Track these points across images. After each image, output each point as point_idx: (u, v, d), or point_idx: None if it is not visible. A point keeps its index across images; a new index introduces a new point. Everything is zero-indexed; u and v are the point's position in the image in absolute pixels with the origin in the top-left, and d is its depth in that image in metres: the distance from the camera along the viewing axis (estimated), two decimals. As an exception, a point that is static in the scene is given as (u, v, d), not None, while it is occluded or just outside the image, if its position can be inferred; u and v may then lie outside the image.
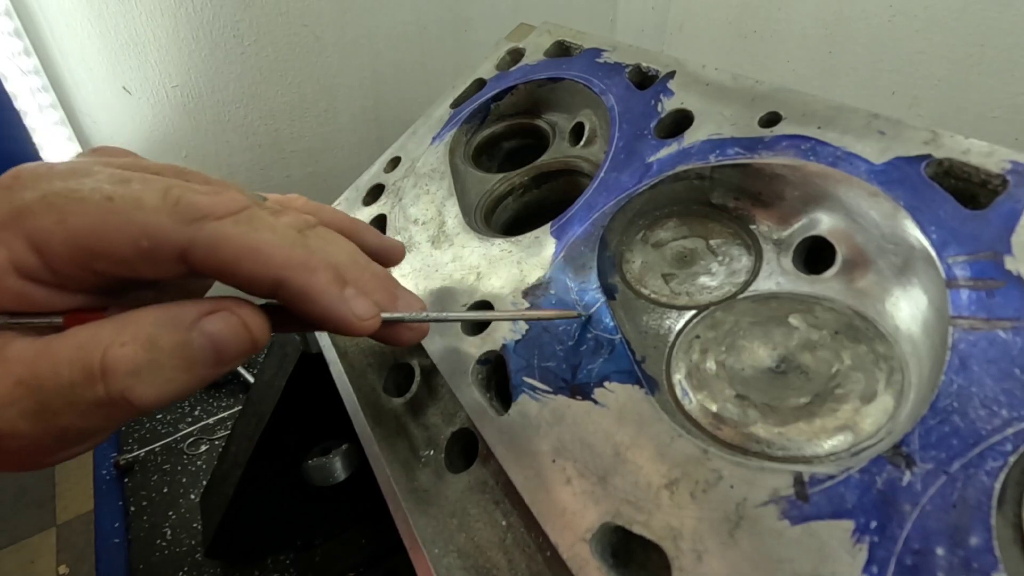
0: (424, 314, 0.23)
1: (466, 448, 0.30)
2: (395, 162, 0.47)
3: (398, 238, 0.40)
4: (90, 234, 0.17)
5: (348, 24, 0.93)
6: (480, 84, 0.47)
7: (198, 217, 0.18)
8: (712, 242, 0.31)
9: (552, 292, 0.30)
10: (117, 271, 0.18)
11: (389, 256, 0.26)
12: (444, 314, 0.25)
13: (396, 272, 0.39)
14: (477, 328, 0.32)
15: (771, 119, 0.30)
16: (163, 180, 0.18)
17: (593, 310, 0.29)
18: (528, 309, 0.30)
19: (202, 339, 0.18)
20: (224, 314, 0.18)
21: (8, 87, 0.77)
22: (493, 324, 0.31)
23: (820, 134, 0.28)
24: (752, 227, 0.31)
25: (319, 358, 0.40)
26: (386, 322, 0.22)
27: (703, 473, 0.22)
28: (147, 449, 0.74)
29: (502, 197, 0.41)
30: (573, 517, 0.23)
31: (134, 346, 0.17)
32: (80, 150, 0.88)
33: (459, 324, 0.32)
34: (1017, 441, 0.18)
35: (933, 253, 0.22)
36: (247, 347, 0.19)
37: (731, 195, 0.31)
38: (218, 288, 0.21)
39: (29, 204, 0.17)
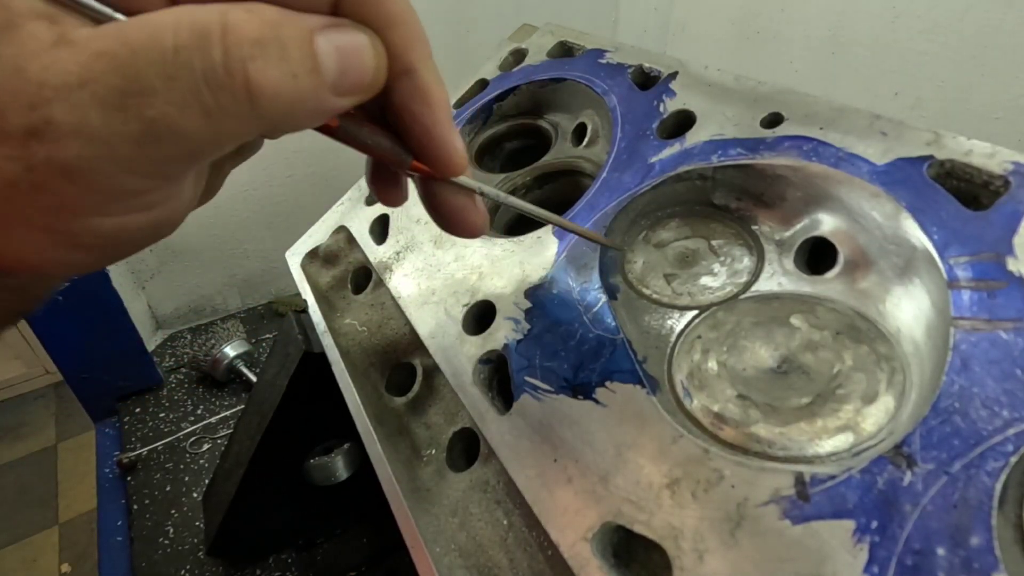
0: (496, 191, 0.21)
1: (468, 447, 0.30)
2: (398, 162, 0.47)
3: (399, 238, 0.41)
4: None
5: (351, 25, 0.93)
6: (483, 84, 0.48)
7: None
8: (714, 242, 0.31)
9: (554, 292, 0.31)
10: None
11: None
12: (514, 200, 0.23)
13: (398, 272, 0.39)
14: (479, 327, 0.32)
15: (773, 120, 0.30)
16: None
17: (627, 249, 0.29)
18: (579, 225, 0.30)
19: (328, 45, 0.15)
20: (353, 31, 0.15)
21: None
22: (494, 324, 0.31)
23: (822, 135, 0.28)
24: (754, 228, 0.31)
25: (321, 358, 0.40)
26: (460, 184, 0.19)
27: (704, 473, 0.22)
28: (149, 448, 0.75)
29: (504, 197, 0.42)
30: (574, 516, 0.23)
31: (259, 19, 0.13)
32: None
33: (461, 324, 0.32)
34: (1018, 442, 0.18)
35: (935, 254, 0.22)
36: (369, 75, 0.16)
37: (733, 196, 0.31)
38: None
39: None
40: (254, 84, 0.13)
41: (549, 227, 0.34)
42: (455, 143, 0.18)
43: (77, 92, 0.12)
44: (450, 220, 0.21)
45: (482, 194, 0.21)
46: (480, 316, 0.33)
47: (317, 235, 0.47)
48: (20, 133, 0.12)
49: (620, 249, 0.31)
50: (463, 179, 0.19)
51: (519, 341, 0.30)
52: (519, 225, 0.41)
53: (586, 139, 0.40)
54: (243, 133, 0.15)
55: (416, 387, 0.34)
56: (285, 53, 0.14)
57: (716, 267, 0.30)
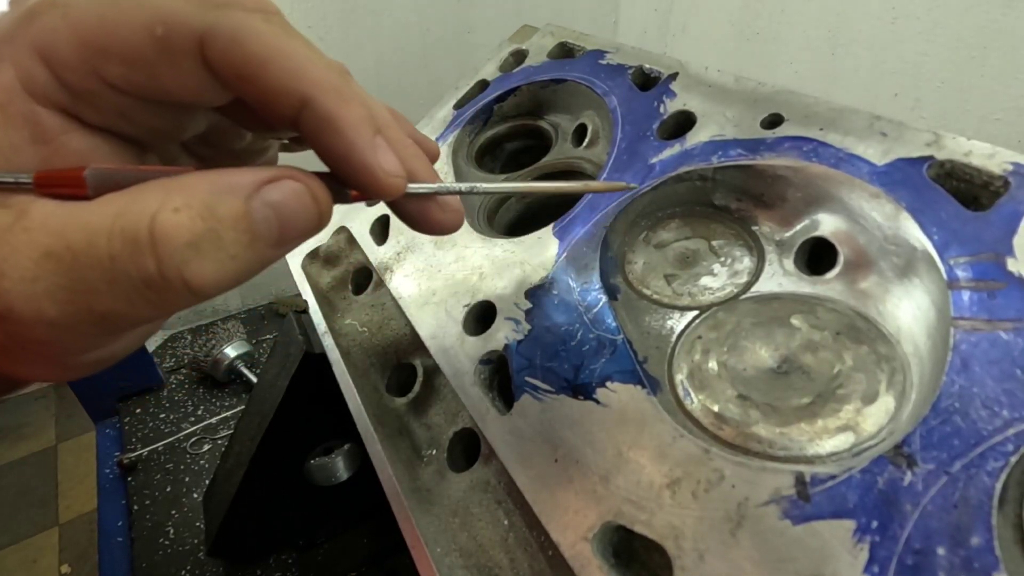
0: (458, 185, 0.20)
1: (468, 447, 0.30)
2: (398, 163, 0.47)
3: (400, 239, 0.41)
4: (98, 25, 0.14)
5: (352, 26, 0.93)
6: (483, 85, 0.48)
7: (221, 4, 0.15)
8: (714, 243, 0.31)
9: (555, 292, 0.31)
10: (131, 76, 0.15)
11: (425, 146, 0.22)
12: (483, 185, 0.22)
13: (399, 272, 0.39)
14: (480, 328, 0.32)
15: (773, 121, 0.30)
16: None
17: (637, 186, 0.27)
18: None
19: (265, 209, 0.15)
20: (287, 181, 0.15)
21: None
22: (495, 325, 0.31)
23: (822, 136, 0.28)
24: (754, 228, 0.31)
25: (322, 358, 0.40)
26: (412, 194, 0.18)
27: (705, 473, 0.22)
28: (150, 448, 0.75)
29: (505, 198, 0.42)
30: (575, 516, 0.23)
31: (189, 213, 0.14)
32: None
33: (462, 324, 0.32)
34: (1018, 441, 0.18)
35: (935, 254, 0.22)
36: (313, 221, 0.16)
37: (733, 196, 0.31)
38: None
39: (32, 7, 0.15)
40: (193, 282, 0.14)
41: (549, 228, 0.34)
42: (379, 165, 0.17)
43: (31, 286, 0.13)
44: (416, 223, 0.20)
45: (438, 193, 0.20)
46: (481, 316, 0.33)
47: (318, 235, 0.47)
48: None
49: (629, 188, 0.27)
50: (413, 187, 0.18)
51: (520, 341, 0.30)
52: (519, 226, 0.41)
53: (586, 140, 0.40)
54: (192, 304, 0.15)
55: (417, 387, 0.34)
56: (220, 243, 0.14)
57: (716, 268, 0.30)
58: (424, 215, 0.20)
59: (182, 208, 0.14)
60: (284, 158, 0.24)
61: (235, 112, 0.19)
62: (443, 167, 0.43)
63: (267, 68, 0.15)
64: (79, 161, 0.15)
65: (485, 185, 0.22)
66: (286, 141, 0.24)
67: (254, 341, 0.89)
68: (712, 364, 0.26)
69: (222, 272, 0.14)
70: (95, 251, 0.13)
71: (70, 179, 0.14)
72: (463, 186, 0.20)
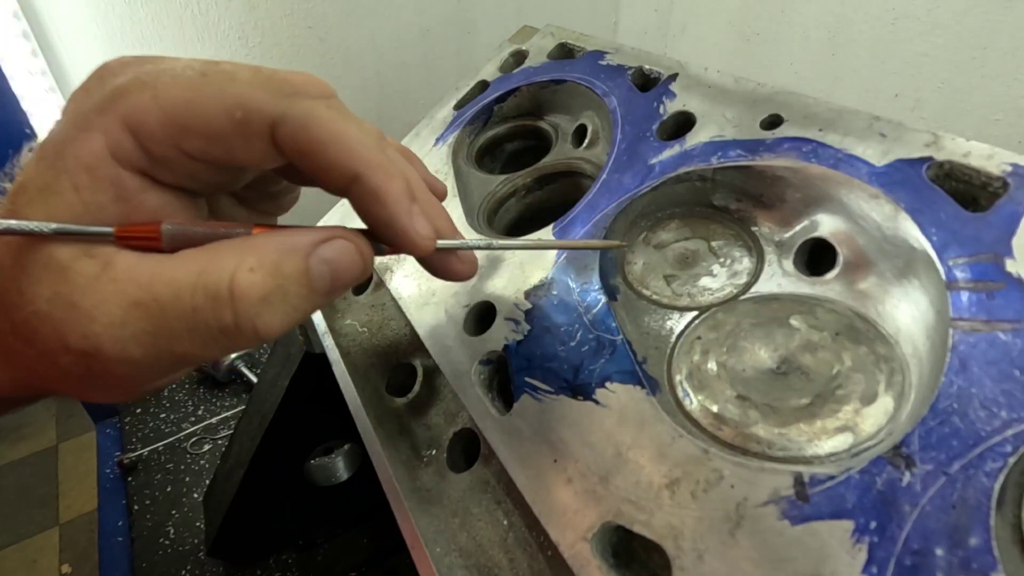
0: (476, 240, 0.24)
1: (468, 448, 0.30)
2: (398, 163, 0.47)
3: (401, 239, 0.41)
4: (184, 106, 0.16)
5: (352, 26, 0.93)
6: (483, 86, 0.48)
7: (291, 93, 0.17)
8: (714, 244, 0.31)
9: (554, 293, 0.31)
10: (209, 150, 0.17)
11: (436, 189, 0.25)
12: (497, 241, 0.25)
13: (399, 273, 0.39)
14: (479, 328, 0.32)
15: (773, 121, 0.30)
16: (253, 64, 0.18)
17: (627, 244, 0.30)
18: (572, 239, 0.32)
19: (321, 266, 0.18)
20: (340, 241, 0.18)
21: (16, 88, 0.78)
22: (494, 325, 0.31)
23: (821, 136, 0.28)
24: (754, 229, 0.31)
25: (322, 358, 0.40)
26: (440, 249, 0.21)
27: (704, 473, 0.22)
28: (150, 448, 0.75)
29: (505, 198, 0.42)
30: (574, 516, 0.23)
31: (262, 273, 0.16)
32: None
33: (461, 325, 0.33)
34: (1016, 442, 0.18)
35: (934, 255, 0.23)
36: (360, 273, 0.19)
37: (733, 197, 0.31)
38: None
39: (123, 86, 0.16)
40: (262, 331, 0.17)
41: (549, 229, 0.34)
42: (416, 230, 0.19)
43: (119, 330, 0.15)
44: (437, 272, 0.23)
45: (464, 248, 0.23)
46: (480, 317, 0.33)
47: (318, 236, 0.47)
48: (78, 351, 0.16)
49: (622, 246, 0.31)
50: (441, 244, 0.21)
51: (519, 342, 0.30)
52: (519, 226, 0.41)
53: (586, 140, 0.40)
54: (255, 346, 0.18)
55: (416, 388, 0.34)
56: (286, 296, 0.17)
57: (716, 268, 0.30)
58: (445, 266, 0.23)
59: (256, 268, 0.16)
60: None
61: (285, 171, 0.21)
62: (443, 168, 0.43)
63: (327, 150, 0.17)
64: (152, 215, 0.17)
65: (500, 242, 0.26)
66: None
67: (254, 341, 0.89)
68: (711, 364, 0.26)
69: (286, 320, 0.17)
70: (180, 304, 0.16)
71: (148, 233, 0.16)
72: (481, 242, 0.24)
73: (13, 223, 0.15)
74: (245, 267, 0.16)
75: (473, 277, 0.24)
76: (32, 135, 0.81)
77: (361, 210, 0.19)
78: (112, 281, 0.15)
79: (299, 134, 0.17)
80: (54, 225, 0.15)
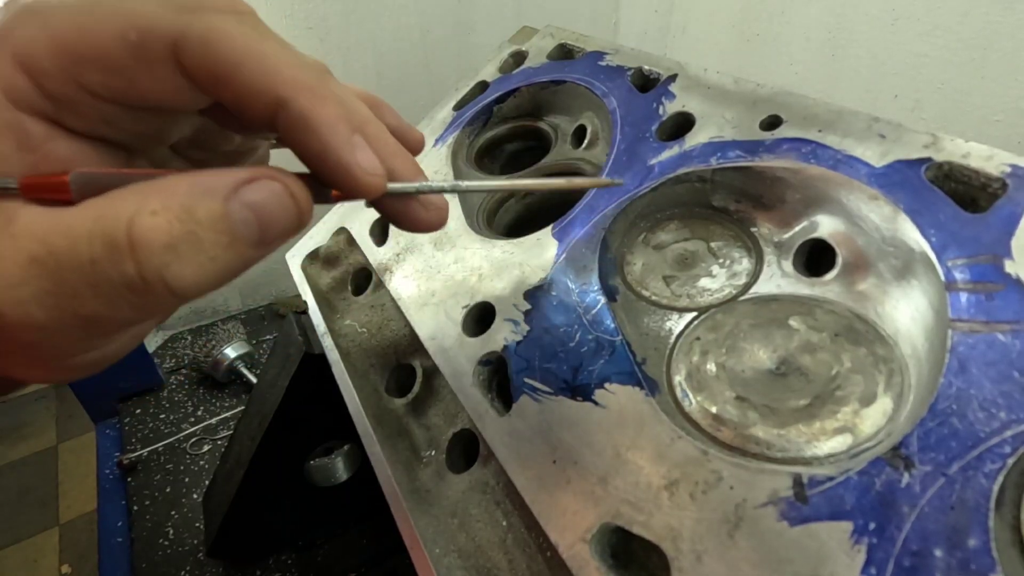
0: (440, 184, 0.20)
1: (467, 448, 0.30)
2: (398, 164, 0.47)
3: (400, 240, 0.41)
4: (76, 33, 0.15)
5: (352, 27, 0.93)
6: (483, 87, 0.48)
7: (194, 8, 0.15)
8: (713, 244, 0.31)
9: (554, 293, 0.31)
10: (109, 82, 0.15)
11: (408, 137, 0.21)
12: (465, 183, 0.21)
13: (398, 273, 0.39)
14: (479, 329, 0.32)
15: (772, 122, 0.30)
16: None
17: (622, 182, 0.28)
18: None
19: (244, 210, 0.15)
20: (266, 181, 0.15)
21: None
22: (494, 326, 0.31)
23: (821, 137, 0.28)
24: (753, 230, 0.31)
25: (322, 359, 0.40)
26: (393, 193, 0.18)
27: (703, 474, 0.22)
28: (150, 449, 0.75)
29: (504, 199, 0.42)
30: (573, 517, 0.23)
31: (167, 215, 0.14)
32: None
33: (461, 325, 0.32)
34: (1015, 443, 0.18)
35: (933, 256, 0.23)
36: (293, 220, 0.16)
37: (732, 198, 0.31)
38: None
39: (10, 19, 0.15)
40: (173, 284, 0.14)
41: (548, 229, 0.34)
42: (357, 164, 0.17)
43: (18, 291, 0.13)
44: (399, 221, 0.20)
45: (421, 192, 0.19)
46: (480, 318, 0.33)
47: (317, 237, 0.47)
48: None
49: (614, 184, 0.27)
50: (394, 186, 0.18)
51: (518, 343, 0.30)
52: (519, 227, 0.41)
53: (586, 141, 0.40)
54: (176, 307, 0.16)
55: (416, 388, 0.34)
56: (199, 245, 0.14)
57: (715, 269, 0.30)
58: (407, 213, 0.20)
59: (160, 211, 0.14)
60: (277, 157, 0.24)
61: (218, 115, 0.19)
62: (443, 168, 0.43)
63: (240, 70, 0.15)
64: (65, 167, 0.15)
65: (468, 183, 0.22)
66: (275, 140, 0.24)
67: (254, 342, 0.89)
68: (710, 365, 0.26)
69: (202, 274, 0.14)
70: (76, 256, 0.14)
71: (54, 184, 0.14)
72: (446, 184, 0.20)
73: None
74: (147, 210, 0.14)
75: (443, 225, 0.21)
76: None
77: (293, 144, 0.16)
78: (11, 237, 0.14)
79: (204, 54, 0.15)
80: None
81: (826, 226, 0.28)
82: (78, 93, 0.15)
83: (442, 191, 0.20)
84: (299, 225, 0.16)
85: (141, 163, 0.19)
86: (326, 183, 0.17)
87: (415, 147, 0.22)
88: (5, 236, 0.14)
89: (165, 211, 0.14)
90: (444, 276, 0.36)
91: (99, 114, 0.16)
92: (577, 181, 0.27)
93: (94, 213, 0.14)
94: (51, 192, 0.15)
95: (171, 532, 0.65)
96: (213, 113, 0.18)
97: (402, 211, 0.20)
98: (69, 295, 0.14)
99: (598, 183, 0.27)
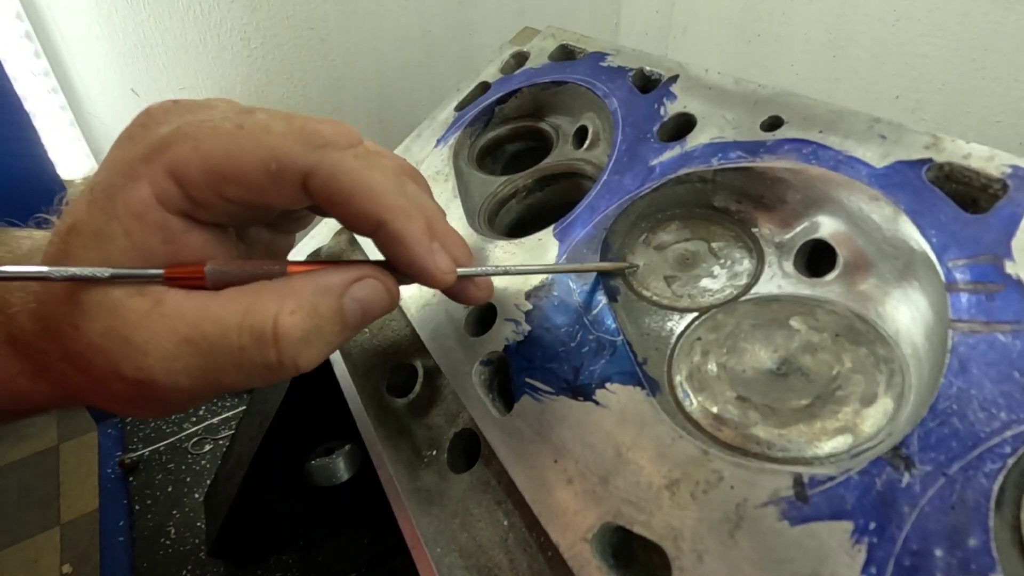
0: (493, 268, 0.26)
1: (468, 448, 0.30)
2: (399, 164, 0.47)
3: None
4: (224, 158, 0.18)
5: (353, 27, 0.93)
6: (484, 87, 0.48)
7: (321, 144, 0.18)
8: (714, 245, 0.31)
9: (555, 293, 0.31)
10: (246, 196, 0.19)
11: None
12: (514, 267, 0.27)
13: (400, 273, 0.39)
14: (480, 329, 0.32)
15: (773, 123, 0.30)
16: (286, 112, 0.19)
17: (639, 266, 0.31)
18: (578, 263, 0.32)
19: (354, 304, 0.20)
20: (371, 280, 0.20)
21: (19, 89, 0.78)
22: (495, 326, 0.31)
23: (822, 138, 0.28)
24: (754, 230, 0.31)
25: (323, 358, 0.40)
26: (460, 277, 0.23)
27: (704, 474, 0.22)
28: (151, 448, 0.75)
29: (506, 199, 0.42)
30: (574, 517, 0.23)
31: (301, 315, 0.18)
32: (89, 151, 0.89)
33: (462, 325, 0.33)
34: (1016, 443, 0.18)
35: (933, 257, 0.23)
36: (388, 307, 0.21)
37: (733, 198, 0.31)
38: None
39: (166, 137, 0.18)
40: (302, 365, 0.19)
41: (550, 230, 0.34)
42: (436, 266, 0.21)
43: (171, 363, 0.17)
44: (455, 297, 0.26)
45: (481, 275, 0.25)
46: (481, 318, 0.33)
47: (319, 236, 0.48)
48: (132, 380, 0.17)
49: (633, 268, 0.31)
50: (460, 271, 0.23)
51: (519, 343, 0.30)
52: (520, 227, 0.41)
53: (587, 142, 0.41)
54: (293, 376, 0.20)
55: (417, 388, 0.34)
56: (322, 334, 0.19)
57: (716, 269, 0.30)
58: (463, 292, 0.25)
59: (296, 311, 0.18)
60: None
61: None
62: (444, 169, 0.43)
63: (354, 198, 0.19)
64: (195, 252, 0.19)
65: (516, 267, 0.28)
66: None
67: (255, 342, 0.89)
68: (711, 366, 0.26)
69: (321, 354, 0.19)
70: (227, 343, 0.17)
71: (193, 273, 0.18)
72: (498, 269, 0.26)
73: (75, 270, 0.17)
74: (287, 310, 0.18)
75: (491, 299, 0.27)
76: (36, 137, 0.81)
77: (386, 251, 0.21)
78: (162, 317, 0.17)
79: (328, 185, 0.19)
80: (110, 271, 0.17)
81: (827, 227, 0.28)
82: (217, 200, 0.18)
83: (495, 274, 0.27)
84: (391, 309, 0.21)
85: (231, 231, 0.22)
86: (410, 279, 0.22)
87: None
88: (156, 316, 0.17)
89: (300, 310, 0.18)
90: (445, 276, 0.36)
91: (227, 211, 0.19)
92: (604, 266, 0.31)
93: (242, 308, 0.18)
94: (191, 281, 0.18)
95: (172, 532, 0.65)
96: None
97: (460, 290, 0.25)
98: (215, 370, 0.18)
99: (619, 267, 0.31)
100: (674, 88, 0.36)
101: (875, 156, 0.26)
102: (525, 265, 0.31)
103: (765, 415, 0.24)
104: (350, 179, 0.19)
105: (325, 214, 0.23)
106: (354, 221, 0.20)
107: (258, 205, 0.19)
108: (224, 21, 0.85)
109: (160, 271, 0.18)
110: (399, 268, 0.21)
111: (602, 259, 0.31)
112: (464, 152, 0.45)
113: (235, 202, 0.19)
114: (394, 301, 0.21)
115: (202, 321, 0.17)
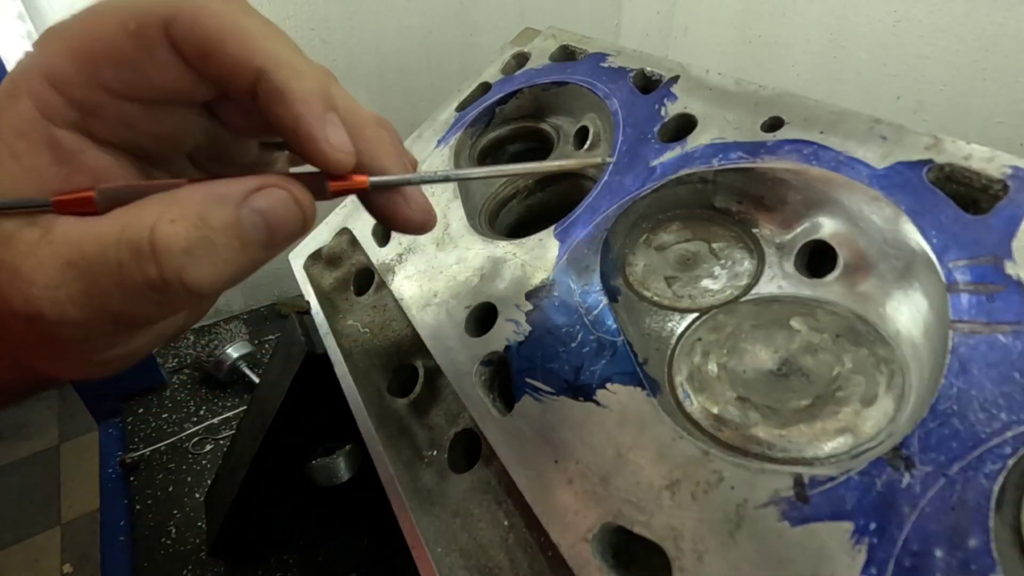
0: (424, 173, 0.19)
1: (469, 448, 0.30)
2: (400, 165, 0.47)
3: (402, 241, 0.41)
4: (85, 35, 0.16)
5: (354, 28, 0.93)
6: (485, 88, 0.48)
7: None
8: (715, 245, 0.31)
9: (556, 294, 0.31)
10: (122, 76, 0.16)
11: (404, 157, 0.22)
12: (455, 171, 0.21)
13: (400, 274, 0.39)
14: (480, 329, 0.32)
15: (774, 124, 0.30)
16: None
17: (611, 160, 0.29)
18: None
19: (253, 216, 0.17)
20: (273, 190, 0.17)
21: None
22: (495, 326, 0.31)
23: (822, 139, 0.28)
24: (755, 231, 0.31)
25: (324, 359, 0.40)
26: (377, 187, 0.19)
27: (704, 474, 0.22)
28: (152, 448, 0.75)
29: (506, 200, 0.42)
30: (575, 517, 0.23)
31: (184, 223, 0.16)
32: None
33: (463, 326, 0.33)
34: (1016, 444, 0.18)
35: (934, 257, 0.23)
36: (298, 225, 0.18)
37: (734, 199, 0.31)
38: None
39: (39, 40, 0.16)
40: (191, 284, 0.16)
41: (550, 230, 0.34)
42: (326, 139, 0.17)
43: (55, 291, 0.15)
44: (387, 220, 0.21)
45: (406, 183, 0.20)
46: (481, 318, 0.33)
47: (320, 237, 0.48)
48: (23, 316, 0.16)
49: (604, 164, 0.28)
50: (376, 179, 0.19)
51: (520, 343, 0.30)
52: (521, 228, 0.41)
53: (588, 142, 0.41)
54: (195, 303, 0.18)
55: (418, 388, 0.34)
56: (213, 248, 0.16)
57: (717, 270, 0.30)
58: (395, 211, 0.20)
59: (177, 219, 0.16)
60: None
61: (229, 117, 0.20)
62: (445, 169, 0.43)
63: (223, 44, 0.16)
64: (96, 176, 0.17)
65: (458, 172, 0.21)
66: (289, 152, 0.25)
67: (256, 342, 0.89)
68: (712, 366, 0.26)
69: (217, 274, 0.16)
70: (106, 259, 0.15)
71: (82, 200, 0.16)
72: (437, 174, 0.20)
73: None
74: (166, 219, 0.16)
75: (430, 228, 0.21)
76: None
77: (269, 117, 0.17)
78: (48, 244, 0.16)
79: (192, 30, 0.16)
80: None
81: (827, 227, 0.28)
82: (98, 94, 0.16)
83: (432, 181, 0.20)
84: (304, 228, 0.18)
85: (161, 175, 0.20)
86: (300, 156, 0.18)
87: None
88: (43, 244, 0.16)
89: (182, 219, 0.16)
90: (446, 276, 0.36)
91: (119, 116, 0.17)
92: (567, 163, 0.28)
93: (121, 222, 0.16)
94: (80, 207, 0.16)
95: (173, 531, 0.65)
96: (224, 114, 0.20)
97: (390, 208, 0.20)
98: (99, 295, 0.16)
99: (587, 163, 0.28)
100: (675, 89, 0.36)
101: (876, 157, 0.26)
102: (472, 169, 0.27)
103: (765, 416, 0.24)
104: (217, 21, 0.16)
105: (256, 130, 0.20)
106: (230, 76, 0.17)
107: (140, 88, 0.17)
108: (225, 21, 0.85)
109: (47, 200, 0.16)
110: (286, 139, 0.18)
111: (603, 261, 0.31)
112: (465, 152, 0.45)
113: (116, 90, 0.17)
114: (306, 216, 0.18)
115: (83, 241, 0.16)
